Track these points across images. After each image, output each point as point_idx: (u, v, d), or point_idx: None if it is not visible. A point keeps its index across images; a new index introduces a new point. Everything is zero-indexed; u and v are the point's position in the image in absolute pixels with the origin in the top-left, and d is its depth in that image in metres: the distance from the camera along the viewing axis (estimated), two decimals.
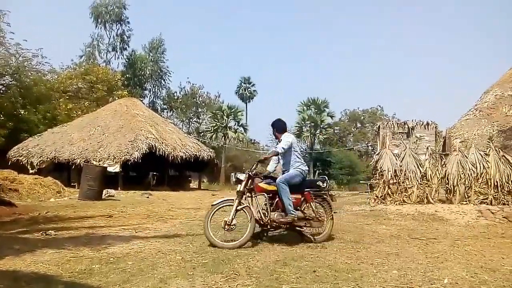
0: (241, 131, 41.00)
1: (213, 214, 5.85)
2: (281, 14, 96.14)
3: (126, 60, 46.57)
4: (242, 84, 53.53)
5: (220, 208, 6.00)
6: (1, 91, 25.90)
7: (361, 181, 28.85)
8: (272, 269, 4.46)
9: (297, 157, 6.46)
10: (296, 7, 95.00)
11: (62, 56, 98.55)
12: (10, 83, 25.78)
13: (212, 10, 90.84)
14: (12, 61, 25.03)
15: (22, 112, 26.44)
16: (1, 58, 24.56)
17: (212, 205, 5.98)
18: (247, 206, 5.92)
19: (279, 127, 6.70)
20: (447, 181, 12.14)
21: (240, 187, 5.96)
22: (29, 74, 26.34)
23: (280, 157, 6.59)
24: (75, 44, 68.85)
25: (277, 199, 6.08)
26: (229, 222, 5.75)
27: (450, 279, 4.22)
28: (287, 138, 6.40)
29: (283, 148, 6.21)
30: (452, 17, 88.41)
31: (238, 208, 5.87)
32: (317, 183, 6.55)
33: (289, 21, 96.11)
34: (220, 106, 42.45)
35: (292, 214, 5.92)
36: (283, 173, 6.43)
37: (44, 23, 75.47)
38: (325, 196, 6.50)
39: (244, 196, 5.99)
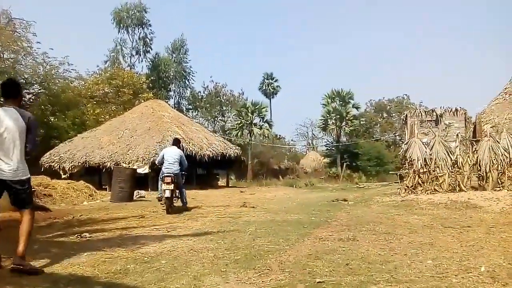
0: (266, 127, 40.99)
1: None
2: (301, 7, 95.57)
3: (150, 62, 47.14)
4: (265, 80, 53.51)
5: None
6: (31, 100, 26.60)
7: (390, 172, 28.49)
8: (305, 263, 4.45)
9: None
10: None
11: (87, 63, 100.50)
12: (39, 91, 26.48)
13: (231, 6, 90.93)
14: (40, 69, 25.67)
15: (52, 119, 27.10)
16: (30, 67, 25.24)
17: None
18: None
19: None
20: (479, 168, 11.90)
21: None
22: (57, 81, 26.97)
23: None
24: (100, 50, 70.14)
25: None
26: None
27: (487, 267, 4.13)
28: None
29: None
30: None
31: None
32: None
33: (310, 14, 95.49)
34: (244, 103, 42.52)
35: None
36: None
37: (69, 30, 77.18)
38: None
39: None
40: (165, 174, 9.98)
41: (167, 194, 9.80)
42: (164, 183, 9.87)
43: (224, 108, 48.87)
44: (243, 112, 39.92)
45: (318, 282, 3.70)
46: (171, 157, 10.30)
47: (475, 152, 12.10)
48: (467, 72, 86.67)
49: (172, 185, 9.84)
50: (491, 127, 15.16)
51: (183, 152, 11.50)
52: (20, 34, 24.68)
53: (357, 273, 3.98)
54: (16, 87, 4.84)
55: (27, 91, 26.36)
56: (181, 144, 12.24)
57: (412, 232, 6.43)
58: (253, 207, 11.35)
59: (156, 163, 11.00)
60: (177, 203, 10.55)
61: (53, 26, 69.90)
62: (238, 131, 39.44)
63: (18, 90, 4.86)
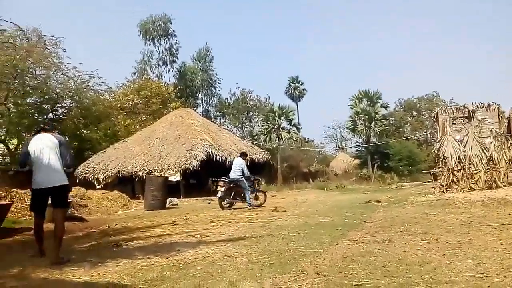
0: (294, 130, 40.82)
1: None
2: (325, 8, 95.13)
3: (177, 72, 47.80)
4: (291, 84, 53.44)
5: None
6: (64, 114, 27.32)
7: (423, 171, 27.88)
8: (340, 266, 4.40)
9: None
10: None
11: (117, 75, 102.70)
12: (71, 105, 27.13)
13: (254, 10, 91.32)
14: (71, 84, 26.29)
15: (85, 132, 27.79)
16: (61, 82, 25.92)
17: None
18: None
19: None
20: None
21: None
22: (88, 95, 27.56)
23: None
24: (128, 62, 71.77)
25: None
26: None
27: None
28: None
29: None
30: None
31: None
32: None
33: (333, 14, 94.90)
34: (271, 108, 42.50)
35: None
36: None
37: (98, 44, 79.12)
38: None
39: None
40: (221, 179, 13.02)
41: (219, 194, 12.82)
42: (218, 186, 12.93)
43: (251, 113, 48.98)
44: (270, 117, 39.90)
45: (355, 286, 3.65)
46: (234, 166, 13.28)
47: (511, 147, 11.74)
48: (497, 66, 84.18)
49: (224, 187, 12.76)
50: None
51: (246, 162, 13.74)
52: (50, 51, 25.38)
53: (394, 275, 3.91)
54: (50, 124, 6.23)
55: (60, 105, 27.14)
56: (245, 157, 14.34)
57: (449, 232, 6.28)
58: (285, 211, 11.31)
59: None
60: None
61: (82, 40, 71.84)
62: (266, 135, 39.42)
63: (52, 125, 6.16)
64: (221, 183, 12.90)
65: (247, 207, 12.64)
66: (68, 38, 39.78)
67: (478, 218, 7.59)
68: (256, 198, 13.61)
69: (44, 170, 5.66)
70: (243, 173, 12.98)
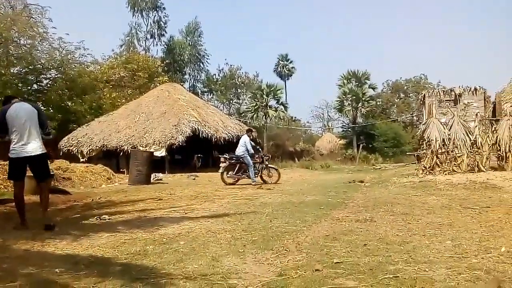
0: (281, 109, 40.84)
1: None
2: None
3: (165, 46, 47.26)
4: (280, 61, 53.23)
5: None
6: (48, 85, 26.87)
7: (407, 153, 28.18)
8: (322, 244, 4.45)
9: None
10: None
11: (103, 47, 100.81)
12: (56, 76, 26.67)
13: None
14: (56, 55, 25.79)
15: (69, 104, 27.33)
16: (46, 53, 25.39)
17: None
18: None
19: None
20: (498, 148, 11.71)
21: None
22: (73, 66, 27.05)
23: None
24: (115, 34, 70.40)
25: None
26: None
27: (508, 247, 4.07)
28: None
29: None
30: None
31: None
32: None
33: None
34: (259, 86, 42.36)
35: None
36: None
37: (84, 15, 77.35)
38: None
39: None
40: (223, 156, 13.80)
41: (220, 170, 13.45)
42: (220, 161, 13.80)
43: (239, 90, 48.78)
44: (258, 95, 39.79)
45: (336, 263, 3.69)
46: (239, 143, 13.59)
47: (495, 131, 11.90)
48: (485, 50, 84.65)
49: (225, 163, 13.43)
50: (511, 106, 14.81)
51: (250, 139, 13.83)
52: (35, 20, 24.78)
53: (375, 254, 3.96)
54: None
55: (44, 76, 26.64)
56: (251, 133, 14.78)
57: (430, 213, 6.38)
58: (269, 189, 11.38)
59: None
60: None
61: (68, 10, 70.13)
62: (253, 113, 39.37)
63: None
64: (222, 159, 13.67)
65: (251, 183, 12.76)
66: (53, 7, 38.61)
67: (459, 201, 7.72)
68: (269, 176, 13.68)
69: (25, 138, 5.63)
70: (247, 150, 13.20)
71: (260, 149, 14.16)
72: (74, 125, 25.41)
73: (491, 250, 4.01)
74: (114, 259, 4.09)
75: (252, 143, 13.74)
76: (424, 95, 15.87)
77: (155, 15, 46.38)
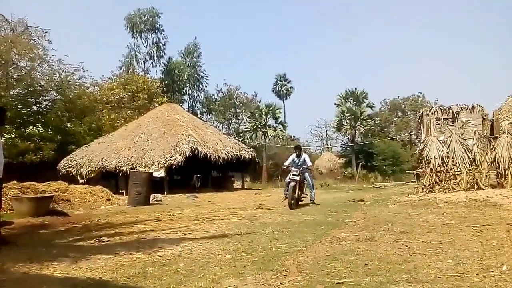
0: (280, 128, 40.92)
1: None
2: (313, 8, 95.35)
3: (164, 67, 47.61)
4: (278, 81, 53.56)
5: None
6: (48, 106, 26.99)
7: (406, 171, 28.17)
8: (323, 264, 4.42)
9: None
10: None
11: (102, 69, 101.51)
12: (56, 98, 26.81)
13: (243, 7, 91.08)
14: (56, 76, 25.99)
15: (69, 125, 27.42)
16: (46, 74, 25.59)
17: None
18: None
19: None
20: (497, 165, 11.71)
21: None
22: (73, 87, 27.23)
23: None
24: (114, 56, 71.11)
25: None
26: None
27: (509, 266, 4.05)
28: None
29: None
30: None
31: None
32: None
33: (322, 14, 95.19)
34: (258, 105, 42.54)
35: None
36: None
37: (84, 38, 78.13)
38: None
39: None
40: (293, 168, 11.74)
41: (290, 190, 11.00)
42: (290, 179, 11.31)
43: (238, 110, 49.00)
44: (256, 114, 39.91)
45: (337, 283, 3.67)
46: (300, 159, 12.40)
47: (493, 149, 11.92)
48: (483, 68, 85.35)
49: (293, 182, 11.10)
50: (508, 123, 14.88)
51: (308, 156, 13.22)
52: (35, 42, 25.09)
53: (376, 274, 3.94)
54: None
55: (44, 98, 26.77)
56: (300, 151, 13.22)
57: (431, 232, 6.35)
58: (269, 209, 11.33)
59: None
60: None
61: (68, 33, 70.84)
62: (252, 133, 39.43)
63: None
64: (292, 176, 11.33)
65: (309, 204, 12.04)
66: (53, 29, 39.13)
67: (459, 219, 7.69)
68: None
69: None
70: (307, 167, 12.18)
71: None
72: (73, 147, 25.40)
73: (492, 269, 3.99)
74: (113, 282, 4.06)
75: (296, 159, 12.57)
76: (422, 113, 16.00)
77: (154, 37, 46.95)
